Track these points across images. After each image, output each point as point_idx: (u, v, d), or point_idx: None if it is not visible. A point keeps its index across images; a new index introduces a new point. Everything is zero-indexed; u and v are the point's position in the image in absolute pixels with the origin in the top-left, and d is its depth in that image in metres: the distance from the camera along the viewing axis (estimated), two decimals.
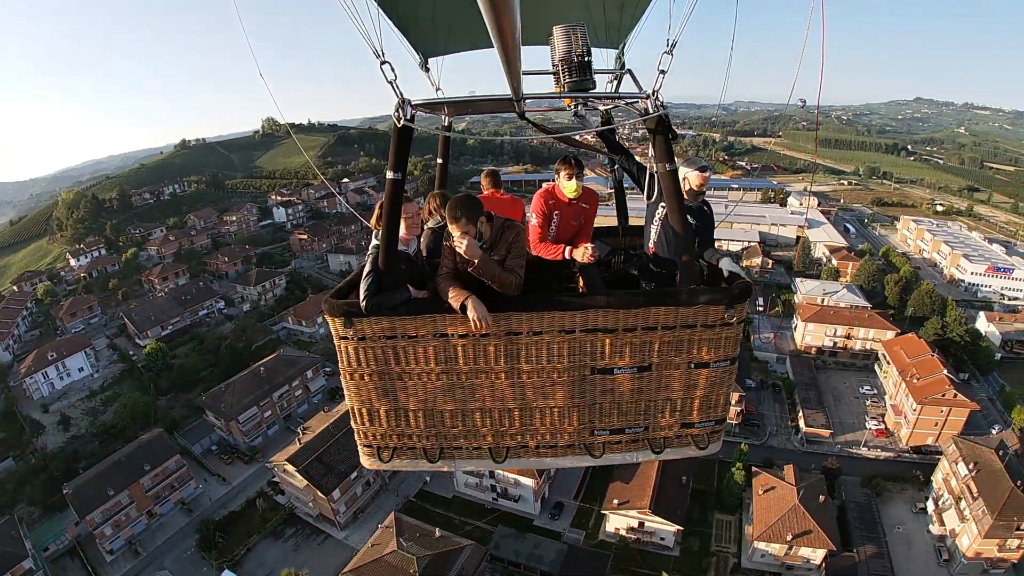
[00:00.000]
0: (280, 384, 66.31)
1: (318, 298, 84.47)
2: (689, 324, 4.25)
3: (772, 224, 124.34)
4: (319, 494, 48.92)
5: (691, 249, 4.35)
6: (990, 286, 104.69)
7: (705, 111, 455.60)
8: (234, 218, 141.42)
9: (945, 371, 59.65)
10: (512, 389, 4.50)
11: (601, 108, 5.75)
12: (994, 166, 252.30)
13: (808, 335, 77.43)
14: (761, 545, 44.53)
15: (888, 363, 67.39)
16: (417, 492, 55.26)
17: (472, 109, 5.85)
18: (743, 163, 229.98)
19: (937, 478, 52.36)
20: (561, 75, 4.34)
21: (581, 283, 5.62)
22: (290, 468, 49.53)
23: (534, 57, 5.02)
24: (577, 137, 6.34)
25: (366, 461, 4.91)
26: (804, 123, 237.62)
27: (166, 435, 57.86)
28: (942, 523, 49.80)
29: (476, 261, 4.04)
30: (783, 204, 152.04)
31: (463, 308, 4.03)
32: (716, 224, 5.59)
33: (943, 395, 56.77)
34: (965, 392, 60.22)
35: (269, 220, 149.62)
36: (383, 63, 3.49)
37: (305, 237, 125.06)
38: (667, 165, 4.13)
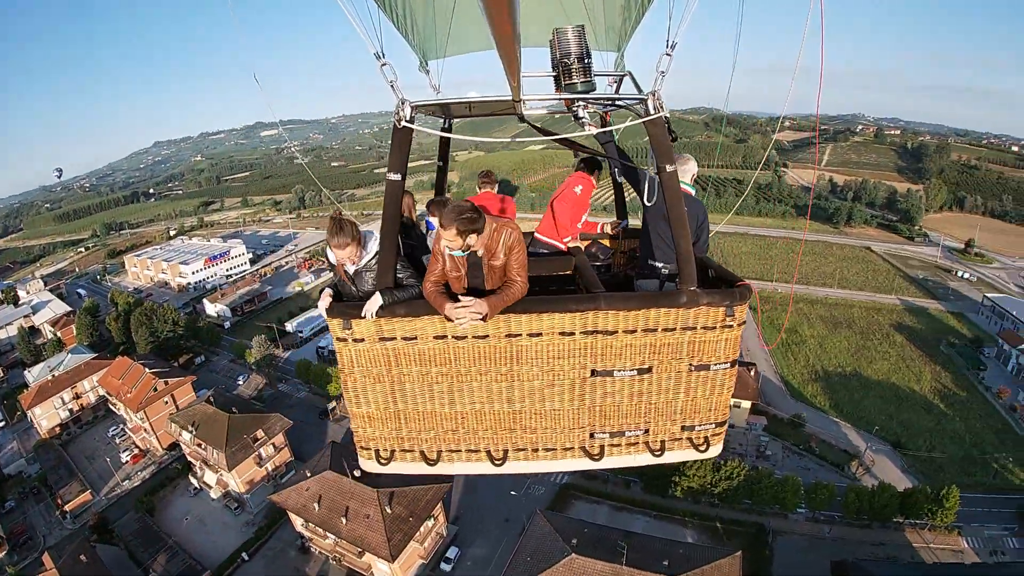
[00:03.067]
0: None
1: None
2: (690, 326, 4.39)
3: None
4: None
5: (691, 251, 4.41)
6: (216, 275, 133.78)
7: None
8: None
9: (147, 372, 67.55)
10: (511, 391, 4.59)
11: (601, 110, 5.96)
12: (229, 178, 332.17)
13: (44, 419, 73.78)
14: None
15: (110, 394, 71.54)
16: None
17: (472, 111, 5.86)
18: None
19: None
20: (561, 77, 4.36)
21: (581, 285, 5.77)
22: None
23: (534, 59, 5.25)
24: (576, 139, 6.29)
25: (365, 464, 5.03)
26: (47, 205, 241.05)
27: None
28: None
29: (484, 317, 4.21)
30: (15, 303, 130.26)
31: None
32: None
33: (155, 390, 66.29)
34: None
35: None
36: (383, 64, 3.52)
37: None
38: (668, 166, 4.14)
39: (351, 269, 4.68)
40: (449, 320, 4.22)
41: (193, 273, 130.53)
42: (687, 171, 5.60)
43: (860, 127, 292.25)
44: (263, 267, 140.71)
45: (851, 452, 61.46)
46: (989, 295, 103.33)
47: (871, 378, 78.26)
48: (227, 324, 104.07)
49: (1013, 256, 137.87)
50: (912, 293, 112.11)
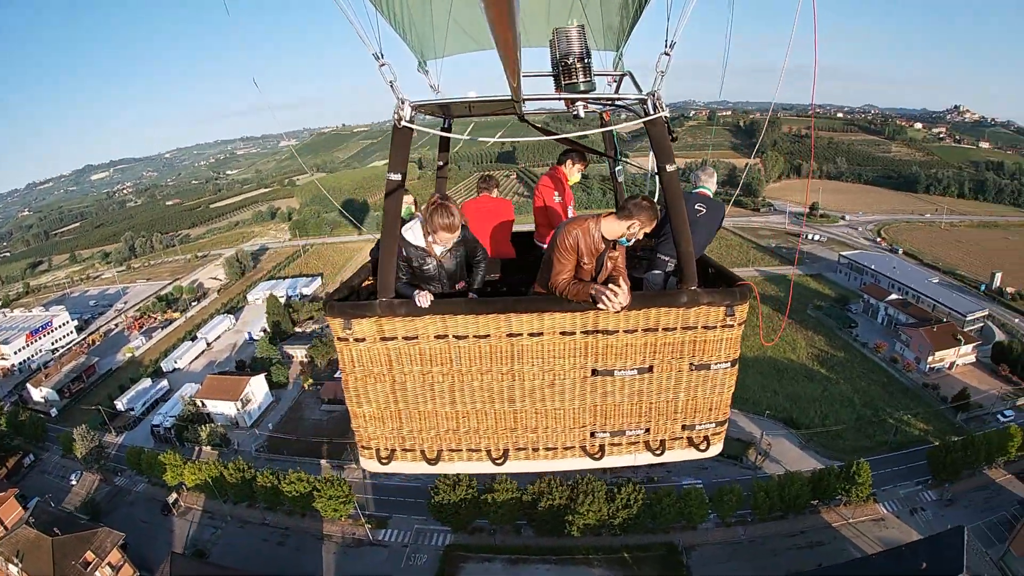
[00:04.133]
0: None
1: None
2: (690, 326, 4.48)
3: None
4: None
5: (691, 250, 4.51)
6: (41, 351, 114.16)
7: None
8: None
9: None
10: (512, 391, 4.62)
11: (601, 110, 6.07)
12: (59, 231, 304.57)
13: None
14: None
15: None
16: None
17: (471, 111, 5.79)
18: None
19: None
20: (561, 77, 4.40)
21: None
22: None
23: (534, 59, 5.30)
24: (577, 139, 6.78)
25: (366, 464, 4.96)
26: None
27: None
28: None
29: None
30: None
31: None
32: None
33: None
34: None
35: None
36: (382, 65, 3.51)
37: None
38: (668, 166, 4.19)
39: (440, 251, 4.72)
40: (597, 304, 4.20)
41: (15, 353, 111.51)
42: (712, 180, 6.17)
43: (693, 112, 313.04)
44: (90, 334, 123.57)
45: (745, 440, 61.21)
46: (844, 253, 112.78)
47: (747, 355, 78.51)
48: (54, 411, 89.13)
49: (856, 212, 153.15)
50: (768, 263, 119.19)
